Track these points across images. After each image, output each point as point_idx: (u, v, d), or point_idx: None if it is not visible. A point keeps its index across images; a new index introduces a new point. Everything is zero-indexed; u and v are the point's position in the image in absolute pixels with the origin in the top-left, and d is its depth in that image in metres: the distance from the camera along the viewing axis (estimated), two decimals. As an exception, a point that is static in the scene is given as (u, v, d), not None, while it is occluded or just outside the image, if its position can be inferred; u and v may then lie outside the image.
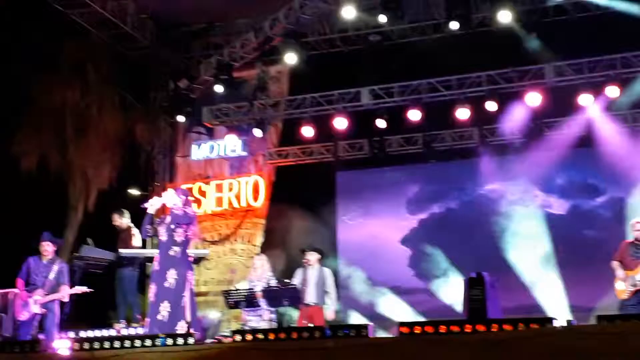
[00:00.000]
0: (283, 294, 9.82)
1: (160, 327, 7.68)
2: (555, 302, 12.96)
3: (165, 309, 7.78)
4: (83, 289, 9.86)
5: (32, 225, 17.96)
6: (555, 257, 13.38)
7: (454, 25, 12.86)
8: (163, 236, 7.96)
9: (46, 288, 9.70)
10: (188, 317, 7.91)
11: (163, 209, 8.52)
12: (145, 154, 15.99)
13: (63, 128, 16.03)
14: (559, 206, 13.84)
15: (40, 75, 16.09)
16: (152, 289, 7.96)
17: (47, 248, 9.84)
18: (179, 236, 7.93)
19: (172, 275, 7.85)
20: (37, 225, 17.74)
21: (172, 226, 7.97)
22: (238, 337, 7.35)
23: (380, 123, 14.01)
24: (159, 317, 7.76)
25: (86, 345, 7.57)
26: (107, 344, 7.51)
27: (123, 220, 11.41)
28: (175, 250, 7.93)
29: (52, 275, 9.74)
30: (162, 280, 7.85)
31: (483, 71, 13.38)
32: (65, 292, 9.73)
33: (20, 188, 16.09)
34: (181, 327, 7.83)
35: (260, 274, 10.58)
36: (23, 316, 9.55)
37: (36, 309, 9.59)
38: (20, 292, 9.77)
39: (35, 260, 9.94)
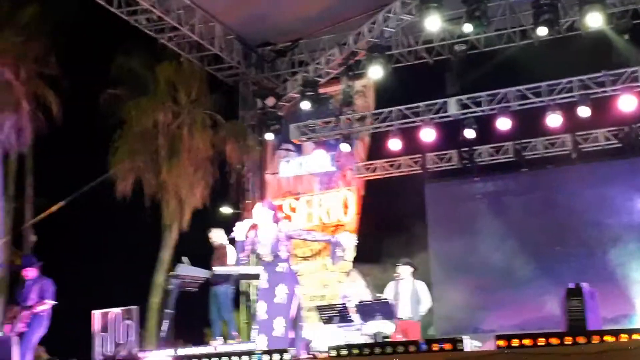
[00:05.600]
0: (376, 309, 9.79)
1: (277, 343, 7.72)
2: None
3: (280, 324, 7.84)
4: (52, 302, 9.98)
5: (129, 246, 18.59)
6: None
7: (542, 30, 12.62)
8: (267, 257, 7.98)
9: (28, 306, 9.91)
10: (292, 332, 7.94)
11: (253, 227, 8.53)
12: (235, 173, 16.23)
13: (156, 150, 16.47)
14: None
15: (133, 99, 16.61)
16: (261, 307, 8.00)
17: (27, 273, 10.09)
18: (283, 252, 7.97)
19: (282, 291, 7.91)
20: (134, 245, 18.34)
21: (275, 244, 7.96)
22: (333, 353, 7.36)
23: (469, 133, 13.85)
24: (274, 333, 7.82)
25: (184, 362, 7.71)
26: (204, 361, 7.63)
27: (218, 238, 11.55)
28: (282, 267, 7.98)
29: (33, 294, 9.96)
30: (271, 297, 7.90)
31: (574, 76, 13.07)
32: (39, 306, 9.88)
33: (116, 210, 16.60)
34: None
35: (352, 288, 10.56)
36: (14, 335, 9.78)
37: (20, 327, 9.82)
38: (9, 314, 10.09)
39: (22, 283, 10.23)
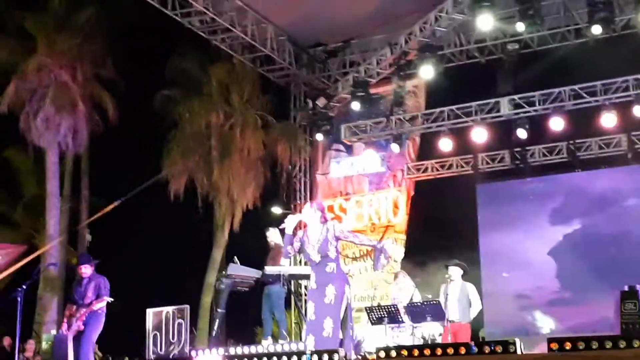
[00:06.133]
0: (426, 310, 9.75)
1: (326, 343, 7.74)
2: None
3: (329, 325, 7.84)
4: (105, 299, 10.04)
5: (182, 246, 18.83)
6: None
7: (597, 29, 12.43)
8: (316, 257, 8.00)
9: (85, 302, 9.99)
10: (341, 333, 7.94)
11: (300, 226, 8.57)
12: (286, 173, 16.32)
13: (209, 150, 16.64)
14: None
15: (186, 100, 16.82)
16: (310, 307, 8.03)
17: (84, 270, 10.16)
18: (332, 253, 7.98)
19: (331, 292, 7.91)
20: (186, 245, 18.57)
21: (324, 244, 7.98)
22: (382, 354, 7.35)
23: (521, 133, 13.70)
24: (325, 334, 7.82)
25: (235, 362, 7.79)
26: (256, 361, 7.69)
27: (274, 237, 11.59)
28: (331, 267, 7.99)
29: (90, 291, 10.03)
30: (320, 298, 7.92)
31: (629, 75, 12.83)
32: (97, 303, 9.96)
33: (169, 210, 16.83)
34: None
35: (402, 290, 10.52)
36: (71, 334, 9.88)
37: (77, 326, 9.90)
38: (66, 312, 10.18)
39: (77, 283, 10.33)
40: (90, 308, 9.91)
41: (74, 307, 10.05)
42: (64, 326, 10.03)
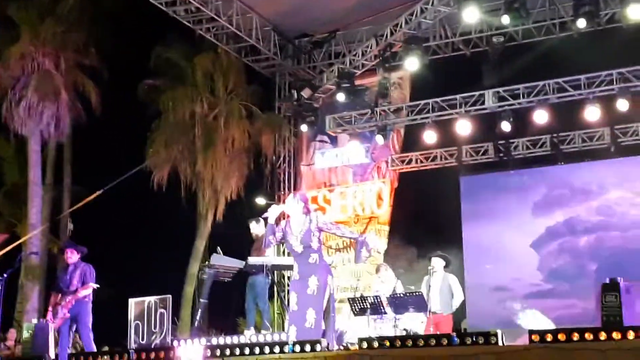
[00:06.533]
0: (408, 301, 9.77)
1: (309, 334, 7.73)
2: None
3: (311, 315, 7.83)
4: (91, 285, 10.00)
5: (165, 236, 18.76)
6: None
7: (582, 22, 12.47)
8: (298, 247, 7.97)
9: (71, 292, 9.96)
10: (324, 324, 7.93)
11: (283, 216, 8.55)
12: (270, 164, 16.29)
13: (192, 140, 16.58)
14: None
15: (171, 90, 16.74)
16: (293, 298, 8.01)
17: (69, 255, 10.12)
18: (314, 243, 7.96)
19: (313, 282, 7.89)
20: (169, 235, 18.50)
21: (306, 235, 7.95)
22: (364, 345, 7.36)
23: (505, 126, 13.72)
24: (307, 325, 7.81)
25: (217, 352, 7.77)
26: (237, 351, 7.68)
27: (258, 229, 11.54)
28: (313, 258, 7.98)
29: (75, 279, 10.00)
30: (304, 289, 7.90)
31: (614, 69, 12.88)
32: (82, 290, 9.93)
33: (152, 200, 16.76)
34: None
35: (384, 282, 10.53)
36: (55, 324, 9.85)
37: (62, 314, 9.87)
38: (51, 301, 10.15)
39: (62, 270, 10.27)
40: (76, 295, 9.87)
41: (59, 295, 10.00)
42: (49, 315, 9.98)
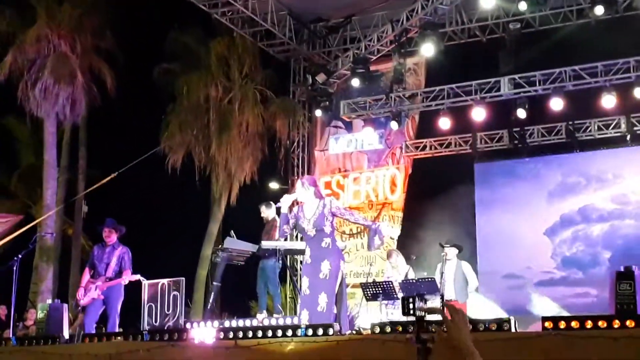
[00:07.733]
0: (421, 287, 9.76)
1: (320, 318, 7.73)
2: None
3: (323, 300, 7.82)
4: (137, 276, 10.02)
5: (179, 219, 18.82)
6: None
7: (599, 10, 12.38)
8: (310, 231, 7.96)
9: (108, 274, 9.98)
10: (336, 308, 7.93)
11: (296, 203, 8.52)
12: (284, 149, 16.28)
13: (207, 124, 16.60)
14: None
15: (186, 74, 16.75)
16: (305, 282, 8.01)
17: (109, 234, 10.10)
18: (327, 228, 7.95)
19: (326, 267, 7.87)
20: (183, 218, 18.55)
21: (319, 219, 7.94)
22: (377, 329, 7.37)
23: (521, 113, 13.66)
24: (319, 308, 7.80)
25: (229, 335, 7.80)
26: (249, 334, 7.70)
27: (269, 212, 11.56)
28: (326, 242, 7.96)
29: (113, 262, 10.01)
30: (315, 273, 7.89)
31: (631, 57, 12.78)
32: (126, 277, 9.96)
33: (167, 183, 16.80)
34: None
35: (395, 268, 10.52)
36: (83, 302, 9.89)
37: (95, 294, 9.89)
38: (83, 278, 10.16)
39: (99, 247, 10.26)
40: (118, 281, 9.90)
41: (92, 272, 10.02)
42: (80, 291, 10.01)
